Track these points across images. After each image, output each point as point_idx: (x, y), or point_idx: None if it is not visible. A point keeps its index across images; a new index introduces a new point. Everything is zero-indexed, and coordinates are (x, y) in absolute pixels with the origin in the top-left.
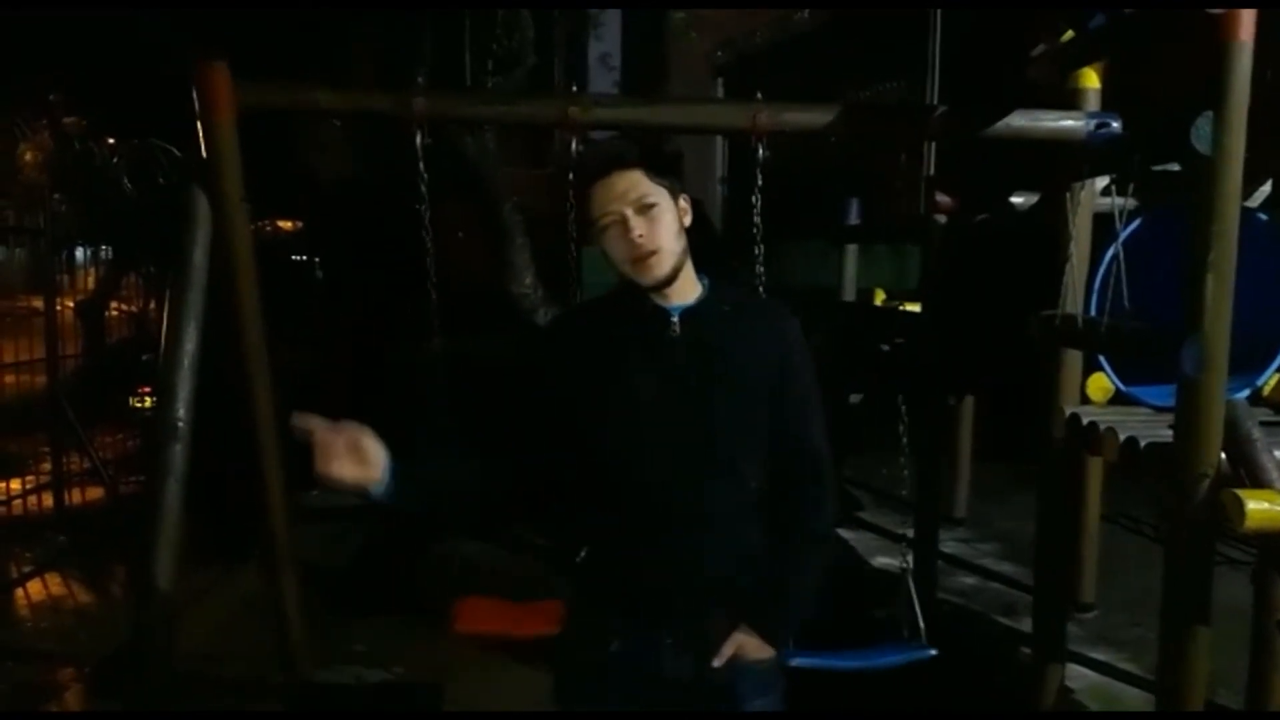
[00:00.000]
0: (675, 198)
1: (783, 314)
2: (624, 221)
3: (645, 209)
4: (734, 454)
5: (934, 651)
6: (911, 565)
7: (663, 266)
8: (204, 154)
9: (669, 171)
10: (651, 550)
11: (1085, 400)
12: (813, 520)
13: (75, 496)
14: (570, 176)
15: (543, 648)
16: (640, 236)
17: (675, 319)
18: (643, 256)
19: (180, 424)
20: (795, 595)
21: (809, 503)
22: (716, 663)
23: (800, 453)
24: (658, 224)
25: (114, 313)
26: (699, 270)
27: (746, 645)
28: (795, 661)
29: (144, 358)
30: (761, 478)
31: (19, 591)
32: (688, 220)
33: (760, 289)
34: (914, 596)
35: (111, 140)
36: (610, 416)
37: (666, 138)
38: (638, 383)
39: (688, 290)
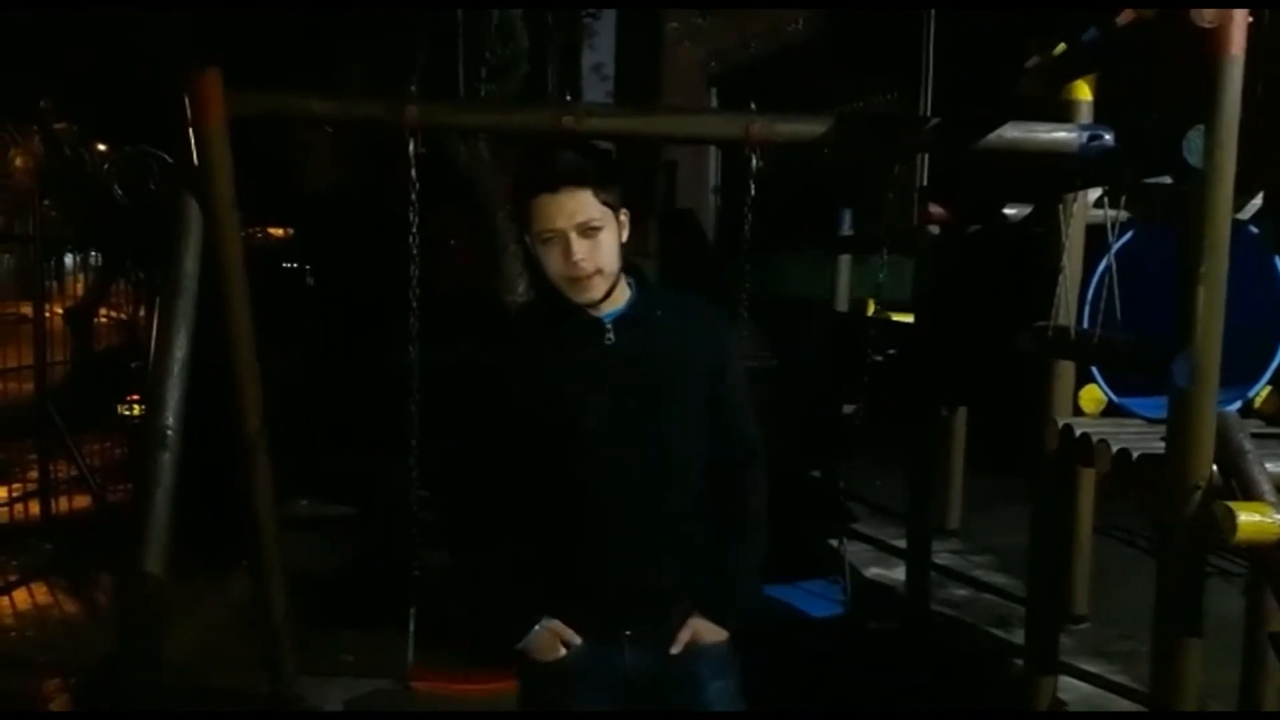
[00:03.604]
0: (618, 215)
1: (712, 312)
2: (566, 242)
3: (590, 232)
4: (678, 454)
5: (843, 611)
6: (845, 543)
7: (599, 289)
8: (195, 161)
9: (615, 189)
10: (605, 553)
11: (1078, 412)
12: (752, 504)
13: (63, 504)
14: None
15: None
16: (581, 259)
17: (609, 326)
18: (580, 278)
19: (169, 432)
20: (743, 578)
21: (748, 488)
22: (675, 649)
23: (738, 442)
24: (600, 247)
25: (103, 319)
26: (629, 272)
27: (701, 630)
28: None
29: (133, 365)
30: (704, 472)
31: (5, 600)
32: (625, 236)
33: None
34: (846, 567)
35: (102, 146)
36: (556, 429)
37: (657, 150)
38: (579, 394)
39: (618, 297)
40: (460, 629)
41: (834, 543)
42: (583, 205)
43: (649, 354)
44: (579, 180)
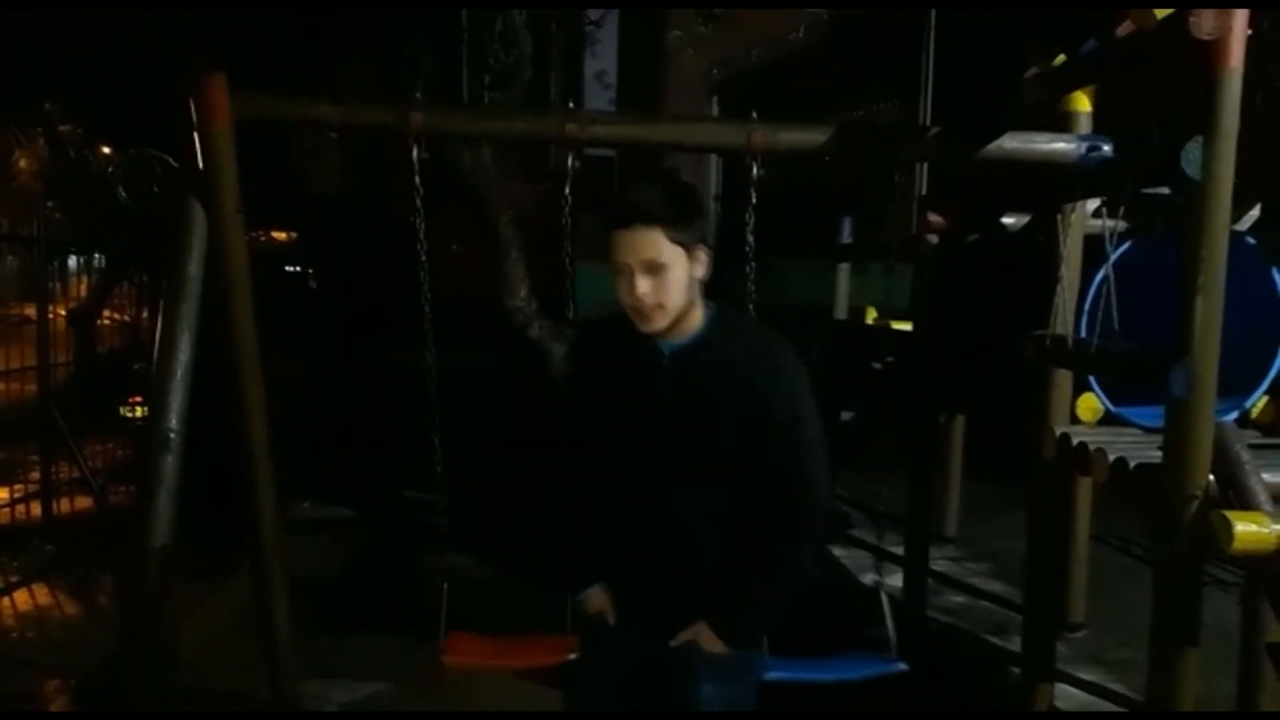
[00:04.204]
0: (691, 253)
1: (771, 349)
2: (632, 276)
3: (654, 269)
4: (706, 478)
5: (904, 666)
6: (885, 579)
7: (659, 323)
8: (201, 165)
9: (692, 227)
10: (635, 550)
11: (1075, 420)
12: (784, 543)
13: (64, 506)
14: (566, 192)
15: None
16: (643, 294)
17: (667, 356)
18: (640, 311)
19: (172, 434)
20: (754, 606)
21: (783, 526)
22: (674, 643)
23: (782, 479)
24: (663, 284)
25: (106, 321)
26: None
27: (702, 635)
28: (768, 675)
29: (136, 367)
30: (737, 497)
31: (6, 601)
32: (701, 271)
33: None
34: (888, 611)
35: (106, 149)
36: (604, 436)
37: (658, 157)
38: (627, 412)
39: (685, 328)
40: (533, 576)
41: (871, 579)
42: (651, 244)
43: (699, 387)
44: (649, 219)
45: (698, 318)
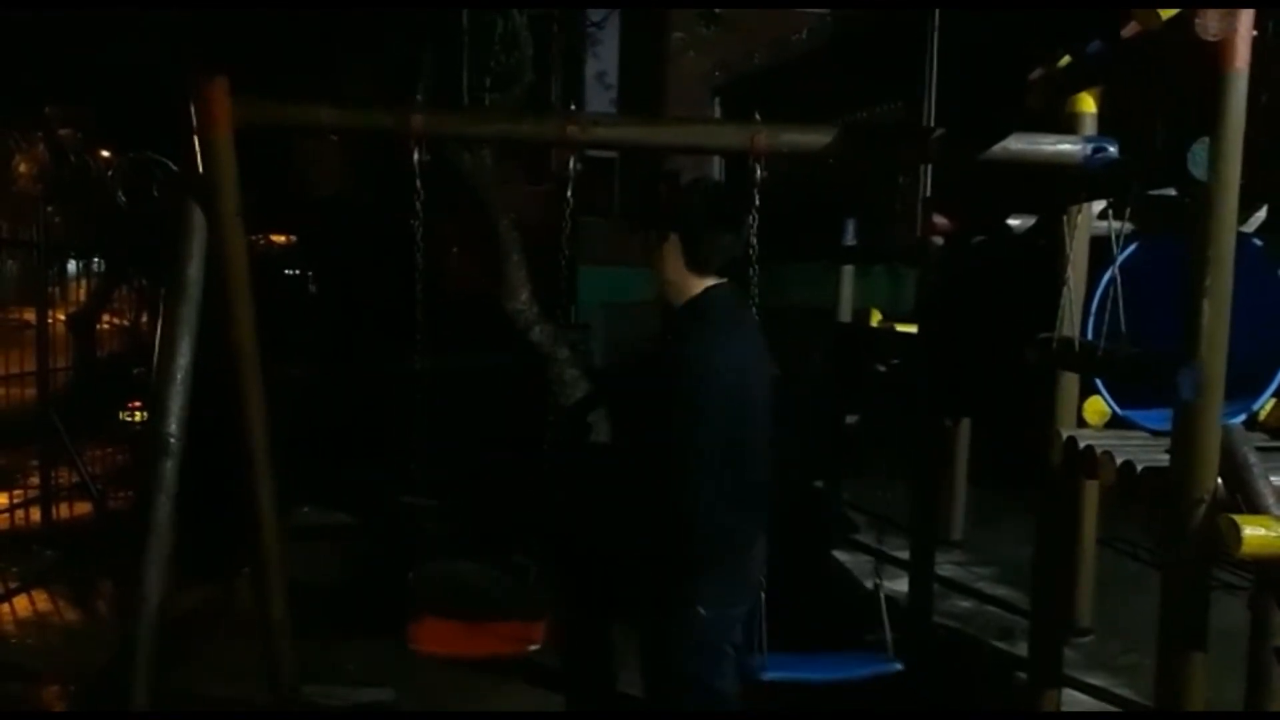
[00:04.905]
0: (663, 244)
1: (673, 333)
2: None
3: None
4: (650, 437)
5: (900, 666)
6: (882, 581)
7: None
8: (201, 169)
9: (655, 225)
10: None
11: (1082, 423)
12: (661, 516)
13: (64, 511)
14: (568, 194)
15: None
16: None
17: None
18: None
19: (172, 439)
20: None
21: (665, 496)
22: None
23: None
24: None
25: (106, 326)
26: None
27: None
28: (768, 675)
29: (135, 371)
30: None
31: (5, 607)
32: (677, 253)
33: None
34: (884, 611)
35: (106, 153)
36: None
37: (660, 159)
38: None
39: (680, 300)
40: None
41: (870, 583)
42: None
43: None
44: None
45: (691, 293)
